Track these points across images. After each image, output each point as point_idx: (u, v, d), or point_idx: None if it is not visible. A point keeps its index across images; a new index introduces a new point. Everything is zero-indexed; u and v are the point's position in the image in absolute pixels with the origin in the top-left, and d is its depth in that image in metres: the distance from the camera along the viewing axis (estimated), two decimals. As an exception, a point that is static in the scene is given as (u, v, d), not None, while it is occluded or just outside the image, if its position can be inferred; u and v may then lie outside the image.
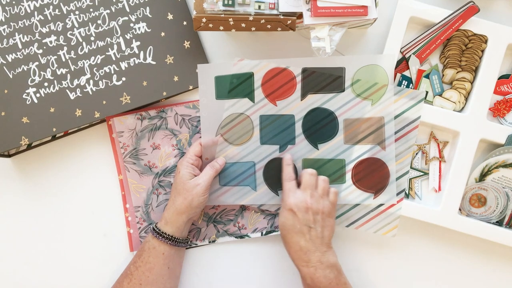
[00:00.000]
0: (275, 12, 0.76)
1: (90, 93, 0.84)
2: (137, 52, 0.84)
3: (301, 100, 0.81)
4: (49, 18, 0.84)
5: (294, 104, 0.82)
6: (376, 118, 0.81)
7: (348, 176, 0.82)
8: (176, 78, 0.84)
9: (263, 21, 0.76)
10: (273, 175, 0.83)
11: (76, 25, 0.84)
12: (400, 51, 0.83)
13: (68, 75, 0.84)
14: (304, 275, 0.74)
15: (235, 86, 0.82)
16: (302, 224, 0.74)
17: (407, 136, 0.81)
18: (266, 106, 0.82)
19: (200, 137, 0.84)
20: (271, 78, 0.82)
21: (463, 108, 0.83)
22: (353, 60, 0.81)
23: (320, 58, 0.80)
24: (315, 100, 0.81)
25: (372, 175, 0.81)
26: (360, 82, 0.80)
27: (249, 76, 0.82)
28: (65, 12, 0.84)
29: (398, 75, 0.84)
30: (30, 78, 0.84)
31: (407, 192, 0.84)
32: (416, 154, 0.84)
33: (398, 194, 0.82)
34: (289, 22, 0.76)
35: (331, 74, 0.81)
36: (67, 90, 0.84)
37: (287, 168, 0.79)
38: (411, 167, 0.84)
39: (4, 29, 0.84)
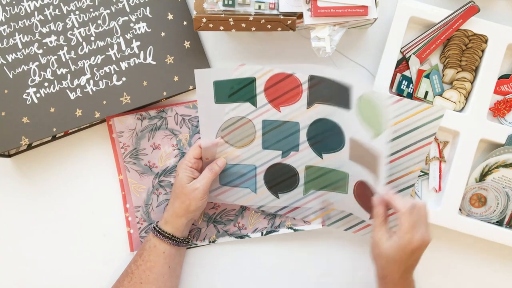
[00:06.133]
0: (275, 12, 0.76)
1: (90, 93, 0.84)
2: (137, 52, 0.84)
3: (307, 108, 0.78)
4: (49, 18, 0.84)
5: (299, 111, 0.78)
6: (374, 154, 0.73)
7: (351, 189, 0.79)
8: (176, 78, 0.84)
9: (263, 21, 0.76)
10: (274, 179, 0.82)
11: (76, 25, 0.84)
12: (400, 51, 0.83)
13: (68, 75, 0.84)
14: None
15: (236, 90, 0.78)
16: (415, 261, 0.70)
17: (418, 151, 0.78)
18: (269, 112, 0.79)
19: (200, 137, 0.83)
20: (275, 84, 0.77)
21: (463, 108, 0.83)
22: (361, 84, 0.74)
23: (327, 68, 0.76)
24: (322, 110, 0.77)
25: (368, 198, 0.76)
26: (364, 108, 0.73)
27: (251, 81, 0.78)
28: (65, 12, 0.84)
29: (398, 75, 0.84)
30: (30, 78, 0.84)
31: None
32: (416, 154, 0.84)
33: None
34: (289, 22, 0.77)
35: (339, 86, 0.75)
36: (67, 90, 0.84)
37: (398, 198, 0.70)
38: (411, 167, 0.84)
39: (4, 29, 0.84)
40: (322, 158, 0.79)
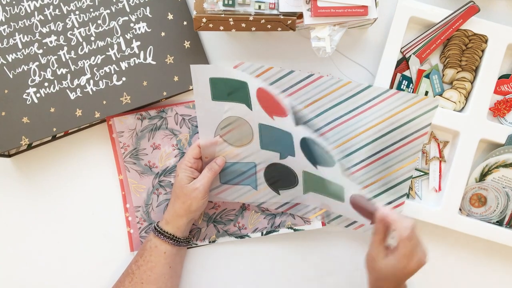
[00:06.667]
0: (275, 12, 0.76)
1: (90, 93, 0.84)
2: (137, 52, 0.84)
3: (296, 125, 0.77)
4: (49, 18, 0.84)
5: (290, 125, 0.77)
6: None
7: (347, 200, 0.77)
8: (176, 78, 0.84)
9: (263, 21, 0.76)
10: (274, 176, 0.82)
11: (76, 25, 0.84)
12: (400, 51, 0.83)
13: (68, 75, 0.84)
14: None
15: (233, 91, 0.78)
16: (409, 276, 0.70)
17: (414, 142, 0.79)
18: (265, 117, 0.77)
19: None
20: (264, 95, 0.77)
21: (463, 108, 0.84)
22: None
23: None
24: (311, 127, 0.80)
25: (366, 209, 0.76)
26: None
27: (244, 86, 0.77)
28: (65, 12, 0.84)
29: (398, 75, 0.84)
30: (30, 78, 0.84)
31: (407, 192, 0.84)
32: (416, 154, 0.84)
33: (399, 198, 0.81)
34: (289, 22, 0.77)
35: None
36: (67, 90, 0.84)
37: (399, 222, 0.69)
38: (411, 167, 0.84)
39: (4, 29, 0.84)
40: (317, 168, 0.78)
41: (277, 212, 0.85)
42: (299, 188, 0.82)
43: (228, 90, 0.78)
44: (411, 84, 0.84)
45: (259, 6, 0.76)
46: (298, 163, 0.79)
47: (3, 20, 0.84)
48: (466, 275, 0.85)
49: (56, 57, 0.84)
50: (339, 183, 0.77)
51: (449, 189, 0.81)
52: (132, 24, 0.84)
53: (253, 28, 0.77)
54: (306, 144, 0.77)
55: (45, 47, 0.84)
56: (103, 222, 0.87)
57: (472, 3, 0.80)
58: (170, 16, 0.85)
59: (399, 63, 0.84)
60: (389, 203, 0.81)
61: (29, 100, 0.83)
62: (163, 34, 0.85)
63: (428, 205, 0.83)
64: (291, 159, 0.79)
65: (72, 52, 0.84)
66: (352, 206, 0.77)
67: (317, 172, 0.78)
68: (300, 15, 0.77)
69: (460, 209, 0.83)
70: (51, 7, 0.84)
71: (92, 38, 0.84)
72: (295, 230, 0.84)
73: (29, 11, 0.84)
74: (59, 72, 0.84)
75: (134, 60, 0.84)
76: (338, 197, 0.78)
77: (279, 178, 0.82)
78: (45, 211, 0.88)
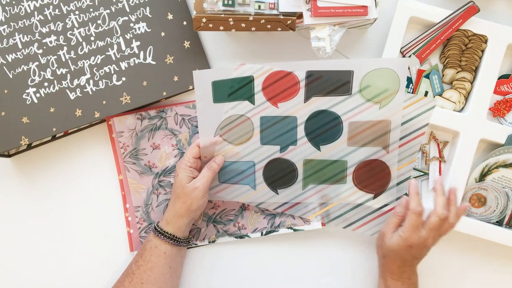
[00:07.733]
0: (275, 12, 0.76)
1: (90, 93, 0.84)
2: (137, 52, 0.84)
3: (305, 102, 0.79)
4: (49, 18, 0.84)
5: (297, 107, 0.79)
6: (383, 122, 0.78)
7: (350, 177, 0.81)
8: (176, 78, 0.85)
9: (263, 21, 0.76)
10: (273, 175, 0.82)
11: (76, 25, 0.84)
12: (400, 51, 0.83)
13: (68, 75, 0.84)
14: (389, 285, 0.76)
15: (235, 90, 0.80)
16: (412, 256, 0.75)
17: (412, 142, 0.80)
18: (268, 109, 0.80)
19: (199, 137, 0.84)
20: (274, 83, 0.79)
21: (463, 108, 0.83)
22: (363, 64, 0.77)
23: (327, 62, 0.77)
24: (320, 104, 0.79)
25: (373, 177, 0.80)
26: (370, 88, 0.77)
27: (250, 81, 0.79)
28: (65, 12, 0.84)
29: (398, 75, 0.84)
30: (30, 78, 0.84)
31: (407, 192, 0.84)
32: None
33: (398, 198, 0.81)
34: (289, 22, 0.77)
35: (338, 79, 0.77)
36: (67, 90, 0.84)
37: (416, 198, 0.75)
38: (411, 167, 0.84)
39: (4, 29, 0.84)
40: (320, 151, 0.80)
41: (276, 212, 0.85)
42: (298, 185, 0.82)
43: (229, 90, 0.80)
44: (411, 84, 0.84)
45: (259, 6, 0.76)
46: (299, 152, 0.81)
47: (3, 20, 0.84)
48: (466, 275, 0.85)
49: (56, 57, 0.84)
50: (343, 157, 0.80)
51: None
52: (132, 24, 0.84)
53: (253, 28, 0.77)
54: (315, 118, 0.79)
55: (45, 47, 0.84)
56: (103, 222, 0.87)
57: (472, 3, 0.80)
58: (170, 16, 0.85)
59: (399, 63, 0.83)
60: (389, 203, 0.81)
61: (29, 100, 0.83)
62: (163, 34, 0.85)
63: (428, 205, 0.83)
64: (292, 150, 0.81)
65: (72, 52, 0.84)
66: (354, 181, 0.81)
67: (320, 156, 0.80)
68: (300, 15, 0.77)
69: (460, 209, 0.83)
70: (51, 7, 0.84)
71: (92, 38, 0.84)
72: (294, 230, 0.84)
73: (29, 11, 0.84)
74: (59, 72, 0.84)
75: (134, 60, 0.84)
76: (340, 178, 0.81)
77: (278, 176, 0.82)
78: (45, 211, 0.88)
